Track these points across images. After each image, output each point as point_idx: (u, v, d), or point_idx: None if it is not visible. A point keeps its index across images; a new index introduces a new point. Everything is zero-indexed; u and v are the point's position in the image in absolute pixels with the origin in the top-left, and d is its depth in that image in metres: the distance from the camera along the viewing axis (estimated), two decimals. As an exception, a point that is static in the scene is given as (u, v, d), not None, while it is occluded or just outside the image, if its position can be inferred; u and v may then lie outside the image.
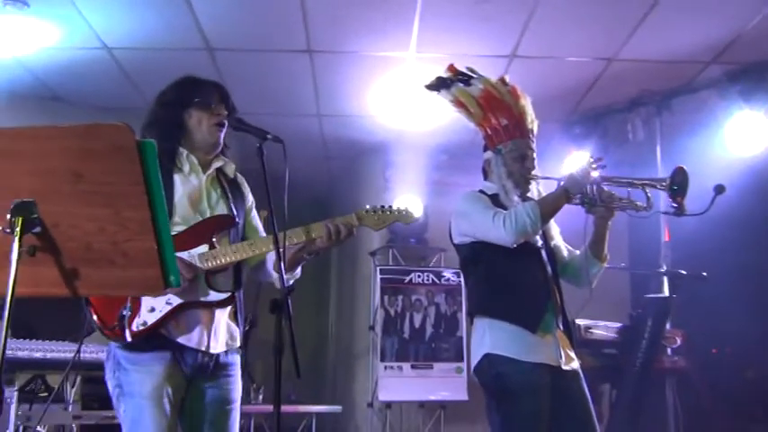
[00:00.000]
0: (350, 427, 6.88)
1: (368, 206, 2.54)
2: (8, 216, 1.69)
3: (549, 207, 2.81)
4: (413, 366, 6.46)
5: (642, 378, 4.19)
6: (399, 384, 6.41)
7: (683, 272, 4.29)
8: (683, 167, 2.77)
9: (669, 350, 4.64)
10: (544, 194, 3.00)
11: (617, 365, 4.29)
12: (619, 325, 4.52)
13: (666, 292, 4.92)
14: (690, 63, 5.20)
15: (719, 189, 2.85)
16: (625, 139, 5.64)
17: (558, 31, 4.81)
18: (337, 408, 5.87)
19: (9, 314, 1.72)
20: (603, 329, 4.35)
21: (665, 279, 5.01)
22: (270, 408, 4.48)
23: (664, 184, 2.78)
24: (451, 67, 3.21)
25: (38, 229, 1.72)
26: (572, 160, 5.66)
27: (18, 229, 1.69)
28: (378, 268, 6.59)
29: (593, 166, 2.79)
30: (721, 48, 4.93)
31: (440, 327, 6.65)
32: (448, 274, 6.79)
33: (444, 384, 6.46)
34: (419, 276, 6.68)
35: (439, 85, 3.19)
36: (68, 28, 4.76)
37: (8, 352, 2.95)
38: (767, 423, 5.20)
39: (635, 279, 6.62)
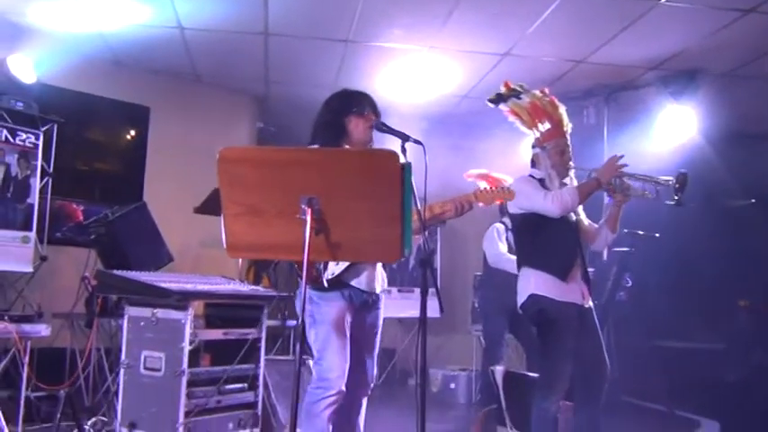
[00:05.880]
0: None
1: (482, 187, 3.06)
2: (302, 206, 2.18)
3: (584, 192, 3.40)
4: (399, 290, 7.14)
5: (606, 309, 4.95)
6: (388, 304, 7.08)
7: (641, 232, 5.01)
8: (686, 172, 3.37)
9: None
10: (575, 180, 3.61)
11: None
12: (591, 270, 5.22)
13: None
14: (634, 68, 5.83)
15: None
16: (580, 122, 6.30)
17: (546, 40, 5.29)
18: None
19: (306, 270, 2.22)
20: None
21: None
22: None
23: (671, 182, 3.35)
24: (507, 84, 3.63)
25: (317, 215, 2.22)
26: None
27: (308, 216, 2.19)
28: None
29: (620, 164, 3.40)
30: (663, 59, 5.60)
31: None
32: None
33: (424, 305, 7.17)
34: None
35: (498, 99, 3.63)
36: (157, 11, 4.95)
37: (181, 286, 3.42)
38: (669, 334, 6.15)
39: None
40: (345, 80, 6.40)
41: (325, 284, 2.80)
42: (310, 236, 2.17)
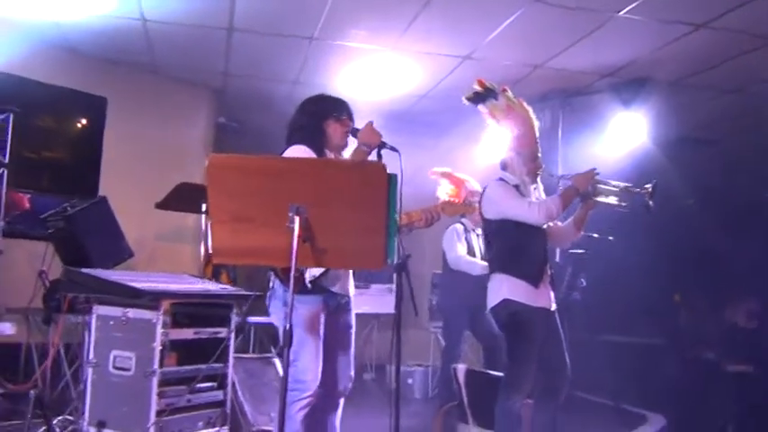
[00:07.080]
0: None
1: (448, 198, 3.18)
2: (290, 214, 2.24)
3: (567, 200, 3.54)
4: (355, 286, 7.19)
5: (562, 309, 5.09)
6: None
7: (596, 235, 5.19)
8: (657, 181, 3.55)
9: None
10: (541, 184, 3.74)
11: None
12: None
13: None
14: (588, 74, 6.04)
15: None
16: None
17: (507, 45, 5.42)
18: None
19: (292, 276, 2.27)
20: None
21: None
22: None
23: (647, 190, 3.52)
24: (480, 82, 3.67)
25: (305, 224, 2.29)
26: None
27: (296, 224, 2.25)
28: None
29: (594, 173, 3.56)
30: (616, 68, 5.82)
31: (376, 256, 7.44)
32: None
33: (379, 300, 7.29)
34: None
35: (476, 98, 3.67)
36: (121, 2, 4.87)
37: (153, 285, 3.42)
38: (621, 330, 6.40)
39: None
40: (307, 77, 6.42)
41: (309, 286, 2.85)
42: (297, 243, 2.24)
